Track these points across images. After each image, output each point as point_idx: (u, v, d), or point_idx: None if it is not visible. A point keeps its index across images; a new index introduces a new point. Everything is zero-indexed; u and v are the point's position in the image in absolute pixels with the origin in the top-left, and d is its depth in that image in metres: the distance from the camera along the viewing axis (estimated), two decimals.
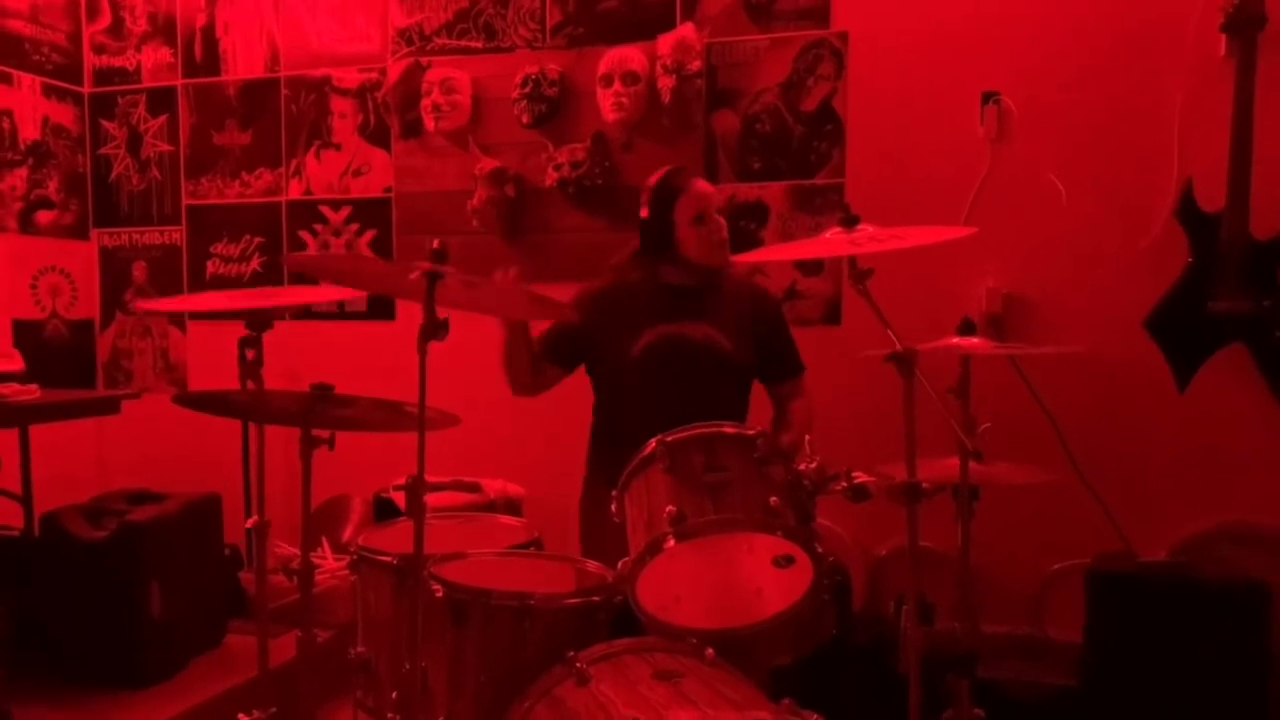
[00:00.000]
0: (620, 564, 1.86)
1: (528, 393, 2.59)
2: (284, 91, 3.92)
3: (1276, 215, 2.84)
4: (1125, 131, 3.04)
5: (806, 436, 1.94)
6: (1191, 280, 2.93)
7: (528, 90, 3.51)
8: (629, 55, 3.41)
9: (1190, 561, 2.93)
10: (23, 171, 3.91)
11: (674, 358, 2.48)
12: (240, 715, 2.06)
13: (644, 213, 2.53)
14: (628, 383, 2.52)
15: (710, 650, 1.74)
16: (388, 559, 2.02)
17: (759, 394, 2.64)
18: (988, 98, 3.13)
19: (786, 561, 1.83)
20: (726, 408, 2.22)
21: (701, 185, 2.55)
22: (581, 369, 2.63)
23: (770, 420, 2.61)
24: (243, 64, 3.97)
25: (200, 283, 4.06)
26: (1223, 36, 2.91)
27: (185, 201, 4.09)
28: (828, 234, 1.90)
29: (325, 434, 1.92)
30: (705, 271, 2.53)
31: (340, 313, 3.89)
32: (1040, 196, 3.10)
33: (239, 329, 2.07)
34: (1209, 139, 2.89)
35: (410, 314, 3.69)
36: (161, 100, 4.10)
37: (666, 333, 2.49)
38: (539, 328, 2.58)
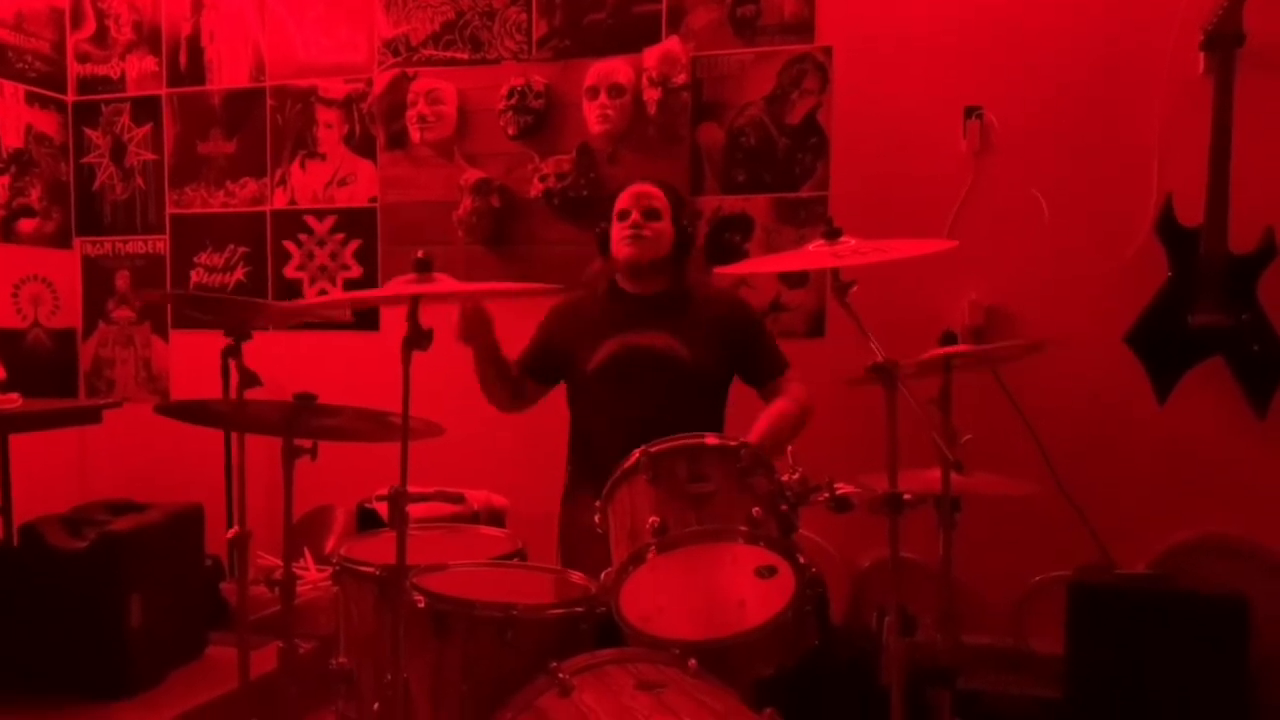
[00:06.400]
0: (603, 575, 1.86)
1: (511, 411, 2.62)
2: (269, 101, 3.91)
3: (1254, 230, 2.87)
4: (1106, 147, 3.08)
5: (789, 447, 1.95)
6: (1171, 294, 2.96)
7: (513, 102, 3.51)
8: (615, 68, 3.42)
9: (1170, 573, 2.94)
10: (4, 179, 3.89)
11: (633, 367, 2.50)
12: None
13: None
14: (592, 393, 2.55)
15: (693, 661, 1.74)
16: (370, 570, 2.01)
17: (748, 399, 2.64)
18: (970, 112, 3.16)
19: (769, 572, 1.83)
20: (691, 416, 2.22)
21: (639, 186, 2.55)
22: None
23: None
24: (228, 73, 3.97)
25: (184, 293, 4.05)
26: (1201, 54, 2.95)
27: (169, 210, 4.08)
28: (810, 246, 1.91)
29: (308, 444, 1.91)
30: (660, 280, 2.55)
31: (324, 322, 3.88)
32: (1022, 210, 3.12)
33: (221, 338, 2.07)
34: (1188, 155, 2.92)
35: (394, 324, 3.68)
36: (146, 109, 4.09)
37: (626, 343, 2.51)
38: (517, 346, 2.61)
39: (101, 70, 4.14)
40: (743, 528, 1.79)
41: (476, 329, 2.41)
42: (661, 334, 2.51)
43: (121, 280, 4.15)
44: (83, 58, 4.16)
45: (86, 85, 4.16)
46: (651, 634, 1.83)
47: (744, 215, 3.40)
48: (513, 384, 2.60)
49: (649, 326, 2.52)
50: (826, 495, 1.85)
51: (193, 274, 4.05)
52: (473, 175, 3.58)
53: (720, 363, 2.56)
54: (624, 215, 2.53)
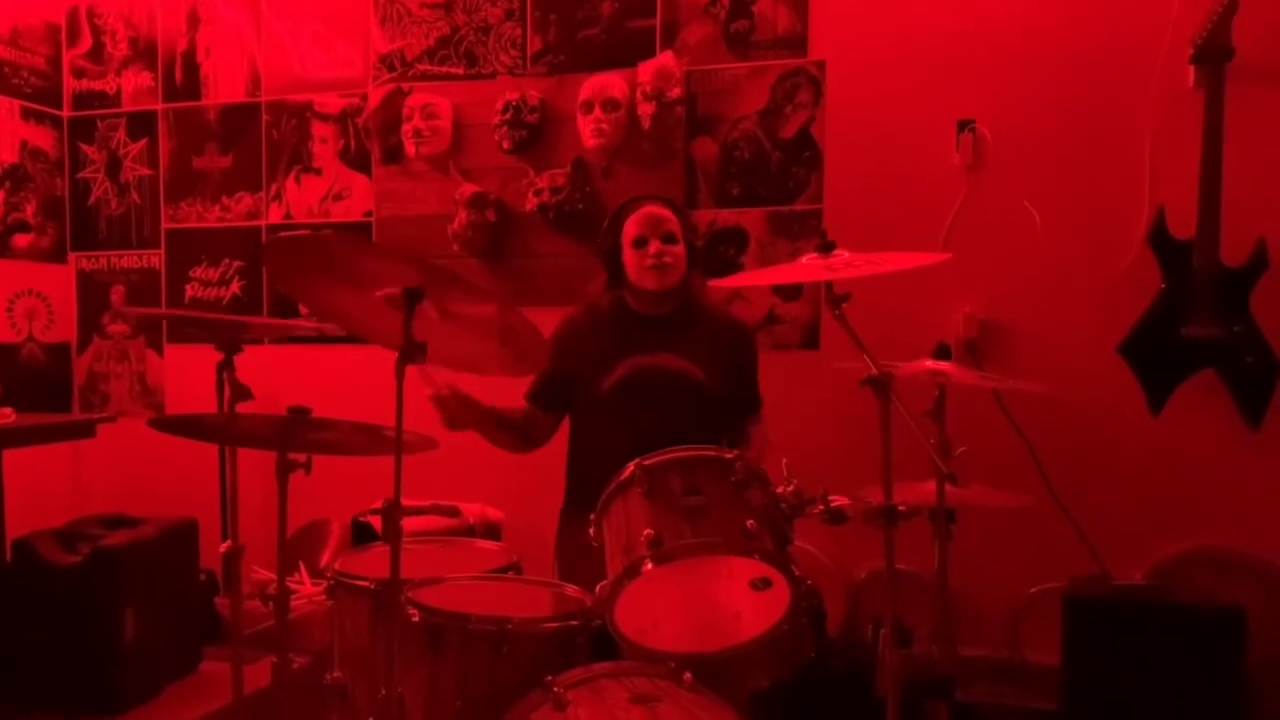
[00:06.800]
0: (598, 588, 1.86)
1: (526, 452, 2.59)
2: (265, 116, 3.92)
3: (1246, 242, 2.89)
4: (1098, 159, 3.09)
5: (784, 460, 1.94)
6: (1164, 306, 2.97)
7: (509, 116, 3.53)
8: (610, 82, 3.44)
9: (1166, 585, 2.95)
10: None
11: (647, 389, 2.46)
12: None
13: (601, 235, 2.56)
14: (605, 414, 2.51)
15: (688, 674, 1.74)
16: (365, 584, 2.01)
17: None
18: (963, 126, 3.18)
19: (764, 585, 1.83)
20: (705, 436, 2.21)
21: (651, 209, 2.48)
22: None
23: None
24: (224, 88, 3.98)
25: (179, 306, 4.04)
26: (1191, 68, 2.98)
27: (164, 225, 4.08)
28: (805, 259, 1.91)
29: (302, 458, 1.91)
30: (673, 300, 2.52)
31: (319, 337, 3.87)
32: (1015, 223, 3.14)
33: (215, 352, 2.07)
34: (1180, 167, 2.94)
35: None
36: (141, 124, 4.10)
37: (640, 364, 2.48)
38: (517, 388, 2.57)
39: (97, 86, 4.14)
40: (738, 540, 1.78)
41: (460, 414, 2.37)
42: (674, 354, 2.48)
43: (116, 295, 4.15)
44: (79, 73, 4.17)
45: (82, 101, 4.17)
46: (647, 647, 1.82)
47: (738, 229, 3.41)
48: (521, 429, 2.56)
49: (661, 347, 2.49)
50: (821, 507, 1.84)
51: (187, 288, 4.05)
52: (468, 189, 3.59)
53: (729, 382, 2.54)
54: (642, 243, 2.45)
